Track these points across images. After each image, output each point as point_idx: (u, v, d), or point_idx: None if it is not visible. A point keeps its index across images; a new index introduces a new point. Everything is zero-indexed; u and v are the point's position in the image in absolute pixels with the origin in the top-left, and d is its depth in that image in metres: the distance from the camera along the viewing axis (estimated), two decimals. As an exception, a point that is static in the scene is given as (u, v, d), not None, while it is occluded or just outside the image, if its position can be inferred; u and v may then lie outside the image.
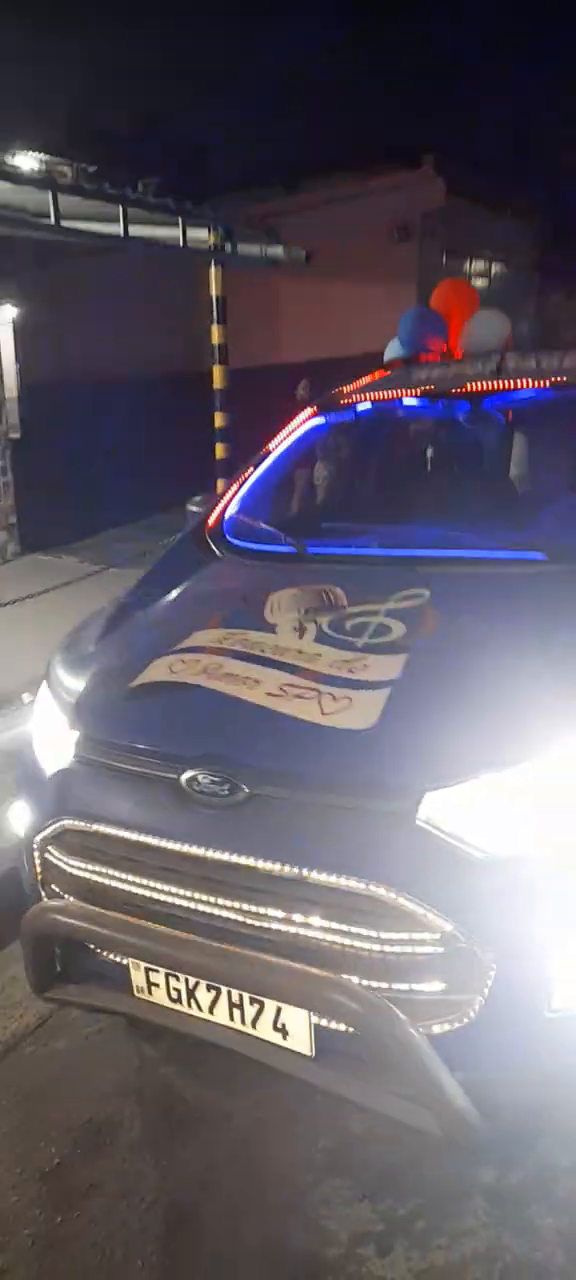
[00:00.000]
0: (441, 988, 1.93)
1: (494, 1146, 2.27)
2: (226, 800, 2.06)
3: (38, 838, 2.31)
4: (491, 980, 1.89)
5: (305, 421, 3.80)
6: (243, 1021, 2.08)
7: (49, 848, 2.29)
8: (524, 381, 3.44)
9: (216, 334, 8.65)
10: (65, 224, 6.45)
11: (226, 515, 3.45)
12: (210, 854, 2.05)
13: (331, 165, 14.15)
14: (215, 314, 8.58)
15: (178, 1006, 2.15)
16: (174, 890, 2.09)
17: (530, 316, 15.77)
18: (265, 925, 2.00)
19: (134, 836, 2.14)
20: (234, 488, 3.61)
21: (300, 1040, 2.03)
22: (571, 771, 1.98)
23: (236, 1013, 2.07)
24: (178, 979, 2.12)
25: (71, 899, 2.26)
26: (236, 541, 3.26)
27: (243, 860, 2.01)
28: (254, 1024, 2.06)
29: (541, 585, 2.67)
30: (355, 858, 1.94)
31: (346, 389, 3.87)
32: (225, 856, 2.03)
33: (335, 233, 13.14)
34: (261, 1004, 2.04)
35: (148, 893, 2.12)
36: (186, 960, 2.06)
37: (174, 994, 2.14)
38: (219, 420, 8.80)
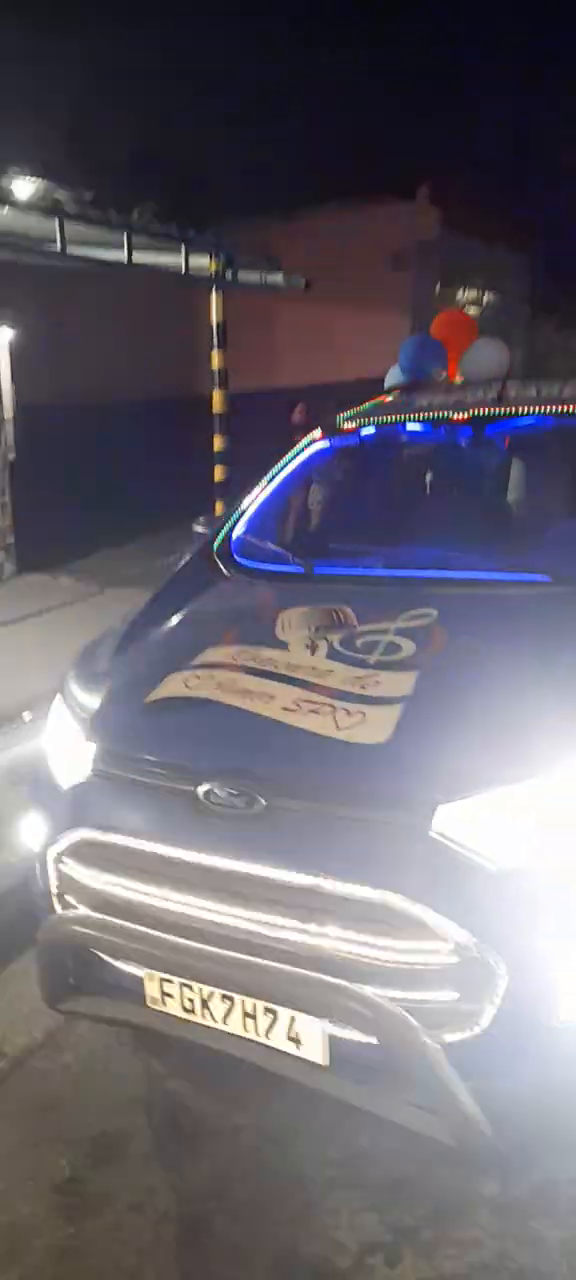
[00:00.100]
0: (454, 997, 1.97)
1: (500, 1157, 2.30)
2: (243, 812, 2.10)
3: (54, 849, 2.34)
4: (502, 990, 1.94)
5: (310, 445, 3.87)
6: (256, 1031, 2.11)
7: (65, 859, 2.32)
8: (526, 409, 3.52)
9: (217, 359, 8.75)
10: (71, 251, 6.52)
11: (234, 536, 3.51)
12: (227, 865, 2.09)
13: (328, 194, 14.39)
14: (216, 339, 8.69)
15: (191, 1017, 2.19)
16: (190, 901, 2.13)
17: (522, 346, 16.00)
18: (281, 935, 2.04)
19: (151, 848, 2.17)
20: (241, 509, 3.67)
21: (313, 1050, 2.06)
22: None
23: (250, 1022, 2.11)
24: (192, 989, 2.15)
25: (87, 910, 2.29)
26: (244, 561, 3.32)
27: (259, 871, 2.05)
28: (268, 1034, 2.10)
29: (545, 607, 2.74)
30: (369, 868, 1.99)
31: (350, 413, 3.94)
32: (242, 867, 2.07)
33: (331, 260, 13.33)
34: (275, 1013, 2.08)
35: (164, 903, 2.16)
36: (202, 969, 2.09)
37: (188, 1004, 2.17)
38: (218, 443, 8.89)
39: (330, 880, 1.99)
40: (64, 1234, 2.26)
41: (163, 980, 2.18)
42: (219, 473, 8.99)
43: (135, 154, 15.31)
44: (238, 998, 2.10)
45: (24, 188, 6.71)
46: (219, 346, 8.76)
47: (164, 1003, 2.21)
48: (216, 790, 2.13)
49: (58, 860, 2.34)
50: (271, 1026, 2.09)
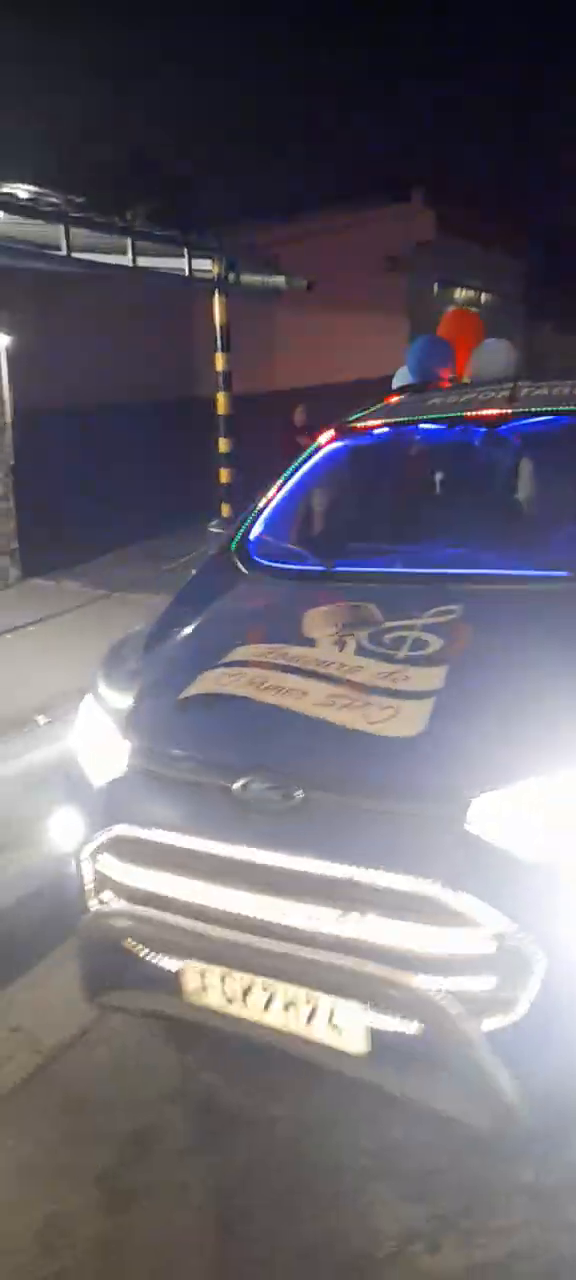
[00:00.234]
0: (492, 985, 2.00)
1: (537, 1143, 2.33)
2: (281, 806, 2.13)
3: (90, 846, 2.37)
4: (539, 978, 1.97)
5: (325, 445, 3.90)
6: (297, 1021, 2.13)
7: (103, 855, 2.35)
8: (542, 408, 3.56)
9: (221, 361, 8.79)
10: (75, 255, 6.56)
11: (252, 536, 3.54)
12: (266, 858, 2.12)
13: (325, 197, 14.44)
14: (219, 342, 8.72)
15: (231, 1009, 2.21)
16: (230, 893, 2.15)
17: (521, 347, 16.05)
18: (321, 926, 2.06)
19: (190, 843, 2.20)
20: (258, 509, 3.70)
21: (354, 1039, 2.09)
22: None
23: (291, 1011, 2.13)
24: (232, 980, 2.18)
25: (127, 904, 2.32)
26: (264, 561, 3.35)
27: (298, 863, 2.08)
28: (308, 1023, 2.12)
29: (566, 601, 2.78)
30: (406, 858, 2.02)
31: (361, 412, 3.98)
32: (281, 860, 2.10)
33: (328, 263, 13.35)
34: (316, 1003, 2.10)
35: (204, 896, 2.19)
36: (244, 959, 2.12)
37: (228, 995, 2.20)
38: (224, 445, 8.92)
39: (368, 870, 2.02)
40: (105, 1225, 2.28)
41: (202, 972, 2.21)
42: (224, 475, 9.02)
43: (132, 156, 15.33)
44: (279, 986, 2.13)
45: (22, 192, 6.74)
46: (222, 349, 8.79)
47: (203, 995, 2.24)
48: (254, 785, 2.15)
49: (95, 856, 2.36)
50: (312, 1016, 2.11)
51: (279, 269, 9.34)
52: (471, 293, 16.74)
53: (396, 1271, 2.13)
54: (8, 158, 7.67)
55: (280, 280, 8.92)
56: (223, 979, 2.19)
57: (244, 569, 3.32)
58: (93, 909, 2.39)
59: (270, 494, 3.77)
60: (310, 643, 2.64)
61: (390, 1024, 2.05)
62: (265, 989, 2.14)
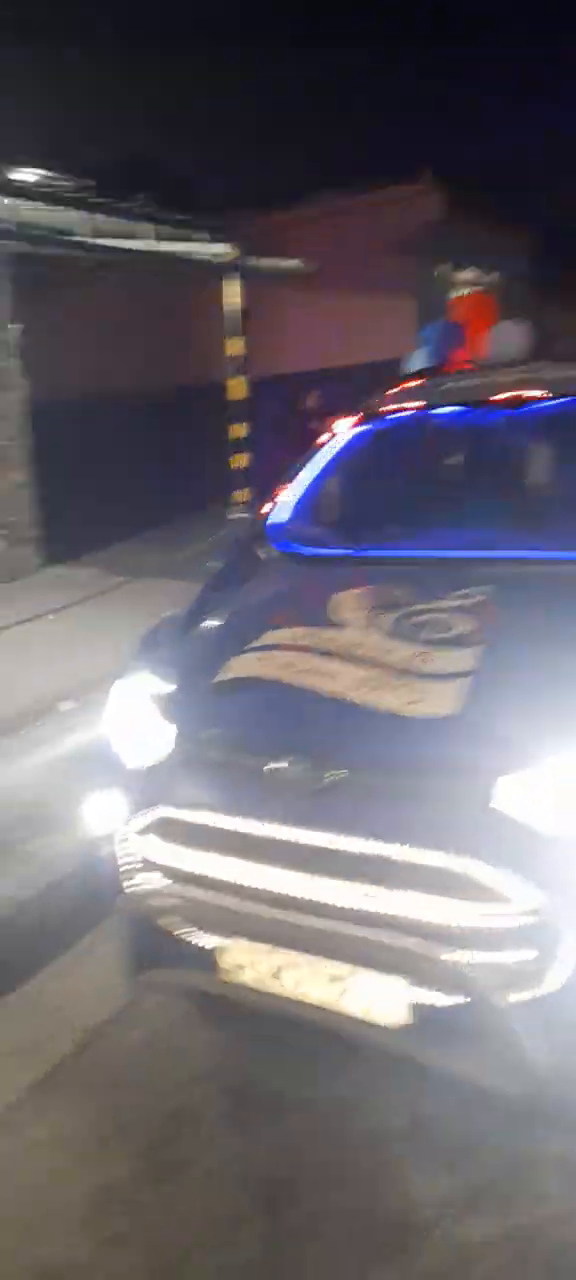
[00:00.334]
0: (524, 958, 2.04)
1: (568, 1113, 2.38)
2: (319, 786, 2.18)
3: (131, 827, 2.42)
4: (570, 951, 2.01)
5: (350, 429, 3.92)
6: (334, 996, 2.19)
7: (143, 835, 2.40)
8: (567, 389, 3.57)
9: (237, 346, 8.78)
10: (97, 241, 6.58)
11: (276, 522, 3.57)
12: (300, 836, 2.17)
13: (332, 180, 14.35)
14: (237, 327, 8.71)
15: (268, 985, 2.26)
16: (271, 871, 2.21)
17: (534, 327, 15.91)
18: (359, 903, 2.11)
19: (228, 822, 2.26)
20: (281, 495, 3.73)
21: (391, 1013, 2.14)
22: None
23: (330, 987, 2.18)
24: (270, 956, 2.23)
25: (170, 883, 2.37)
26: (290, 546, 3.38)
27: (336, 841, 2.13)
28: (345, 998, 2.17)
29: None
30: (440, 835, 2.07)
31: (385, 396, 4.00)
32: (318, 838, 2.15)
33: (336, 245, 13.29)
34: (352, 978, 2.15)
35: (245, 874, 2.24)
36: (284, 935, 2.17)
37: (265, 972, 2.25)
38: (238, 431, 8.94)
39: (403, 847, 2.07)
40: (154, 1195, 2.35)
41: (243, 950, 2.26)
42: (240, 460, 9.03)
43: (138, 141, 15.31)
44: (316, 962, 2.18)
45: (31, 178, 6.75)
46: (238, 334, 8.80)
47: (242, 972, 2.29)
48: (291, 766, 2.20)
49: (137, 837, 2.42)
50: (349, 991, 2.17)
51: (286, 253, 9.32)
52: (481, 272, 16.61)
53: (434, 1238, 2.19)
54: (16, 142, 7.68)
55: (294, 262, 8.92)
56: (262, 956, 2.24)
57: (272, 554, 3.36)
58: (131, 889, 2.44)
59: (293, 479, 3.80)
60: (339, 626, 2.68)
61: (427, 999, 2.10)
62: (305, 964, 2.19)
